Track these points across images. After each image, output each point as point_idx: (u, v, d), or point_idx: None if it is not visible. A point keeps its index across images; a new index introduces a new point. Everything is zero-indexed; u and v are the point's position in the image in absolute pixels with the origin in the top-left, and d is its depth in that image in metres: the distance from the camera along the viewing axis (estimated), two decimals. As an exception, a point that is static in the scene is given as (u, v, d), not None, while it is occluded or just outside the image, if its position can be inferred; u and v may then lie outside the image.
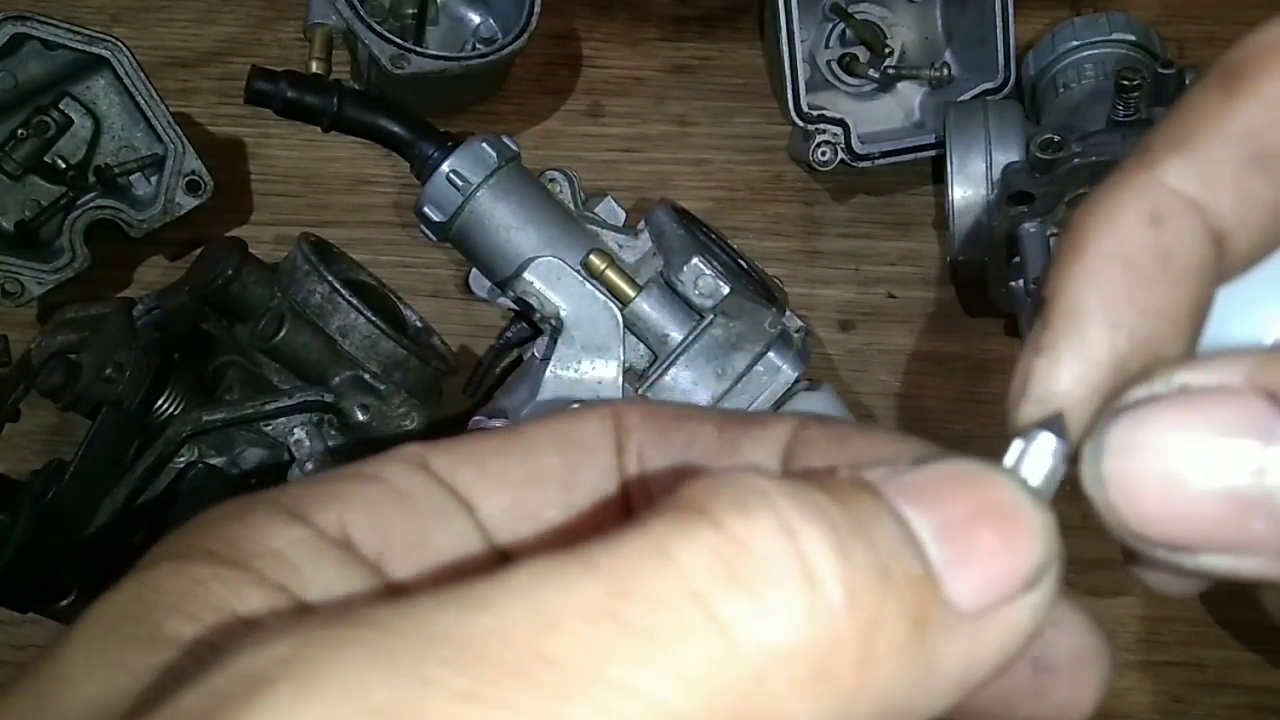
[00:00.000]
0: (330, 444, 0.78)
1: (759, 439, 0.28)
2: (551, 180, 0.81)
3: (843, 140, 0.92)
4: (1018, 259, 0.87)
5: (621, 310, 0.77)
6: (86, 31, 0.86)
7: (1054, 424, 0.26)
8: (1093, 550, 0.94)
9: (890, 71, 0.98)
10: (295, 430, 0.77)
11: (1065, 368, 0.28)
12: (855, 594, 0.21)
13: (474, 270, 0.81)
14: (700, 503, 0.21)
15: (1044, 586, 0.24)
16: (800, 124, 0.93)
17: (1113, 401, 0.27)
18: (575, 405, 0.34)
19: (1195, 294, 0.27)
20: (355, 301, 0.79)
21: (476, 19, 1.00)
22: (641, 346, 0.78)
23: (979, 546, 0.23)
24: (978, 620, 0.23)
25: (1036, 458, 0.26)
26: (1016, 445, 0.26)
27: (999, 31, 0.93)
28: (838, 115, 0.93)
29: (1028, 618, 0.23)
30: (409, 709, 0.19)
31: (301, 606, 0.24)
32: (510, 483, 0.28)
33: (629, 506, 0.29)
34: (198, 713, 0.20)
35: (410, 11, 0.97)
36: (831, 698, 0.21)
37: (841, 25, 0.98)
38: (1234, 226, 0.27)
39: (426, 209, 0.78)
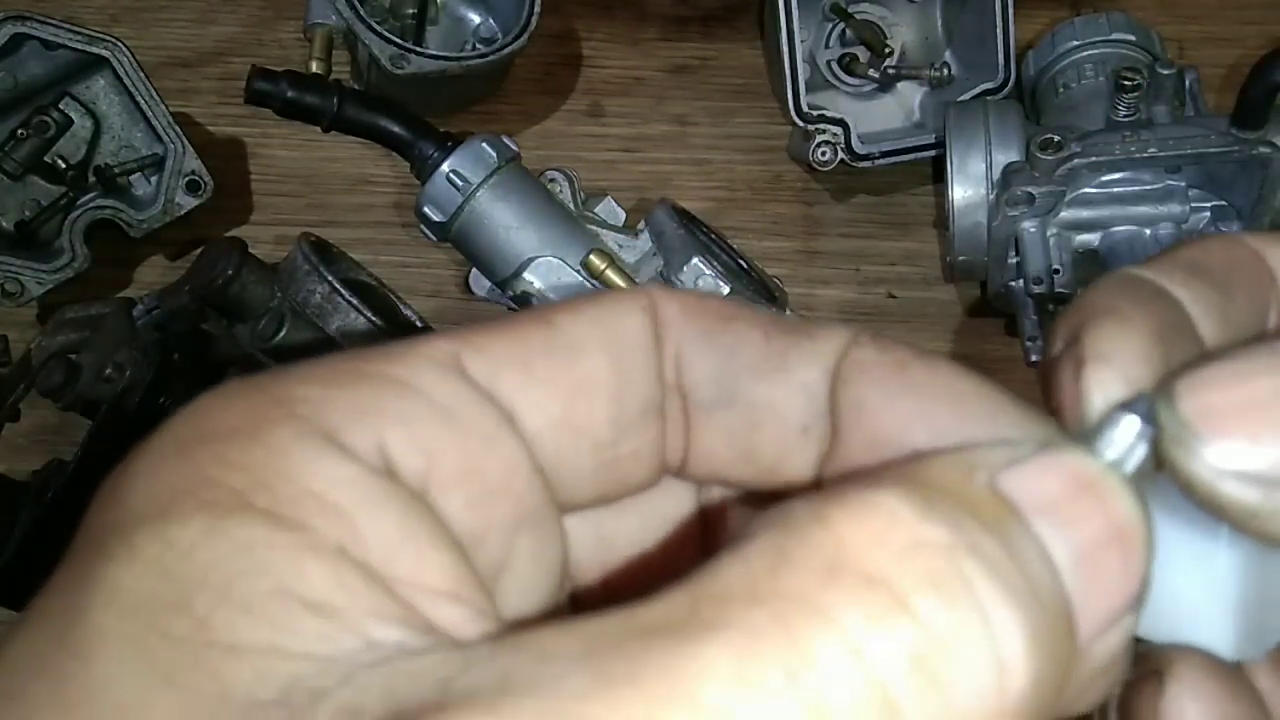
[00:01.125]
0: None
1: (808, 354, 0.25)
2: (551, 180, 0.81)
3: (843, 140, 0.92)
4: (1018, 259, 0.87)
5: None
6: (86, 31, 0.86)
7: (1138, 405, 0.24)
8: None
9: (890, 71, 0.98)
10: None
11: (1131, 346, 0.25)
12: (1040, 675, 0.20)
13: (474, 270, 0.81)
14: (888, 577, 0.20)
15: (1135, 612, 0.22)
16: (800, 124, 0.93)
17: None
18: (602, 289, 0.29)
19: None
20: (355, 301, 0.79)
21: (476, 19, 1.00)
22: (641, 346, 0.78)
23: (1108, 575, 0.22)
24: (1093, 643, 0.22)
25: (1124, 442, 0.24)
26: (1104, 432, 0.24)
27: (999, 31, 0.93)
28: (838, 115, 0.93)
29: (1116, 643, 0.22)
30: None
31: (367, 574, 0.21)
32: (559, 391, 0.25)
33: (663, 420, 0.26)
34: None
35: (410, 11, 0.97)
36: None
37: (841, 25, 0.98)
38: None
39: (426, 209, 0.78)
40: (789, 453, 0.25)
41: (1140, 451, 0.23)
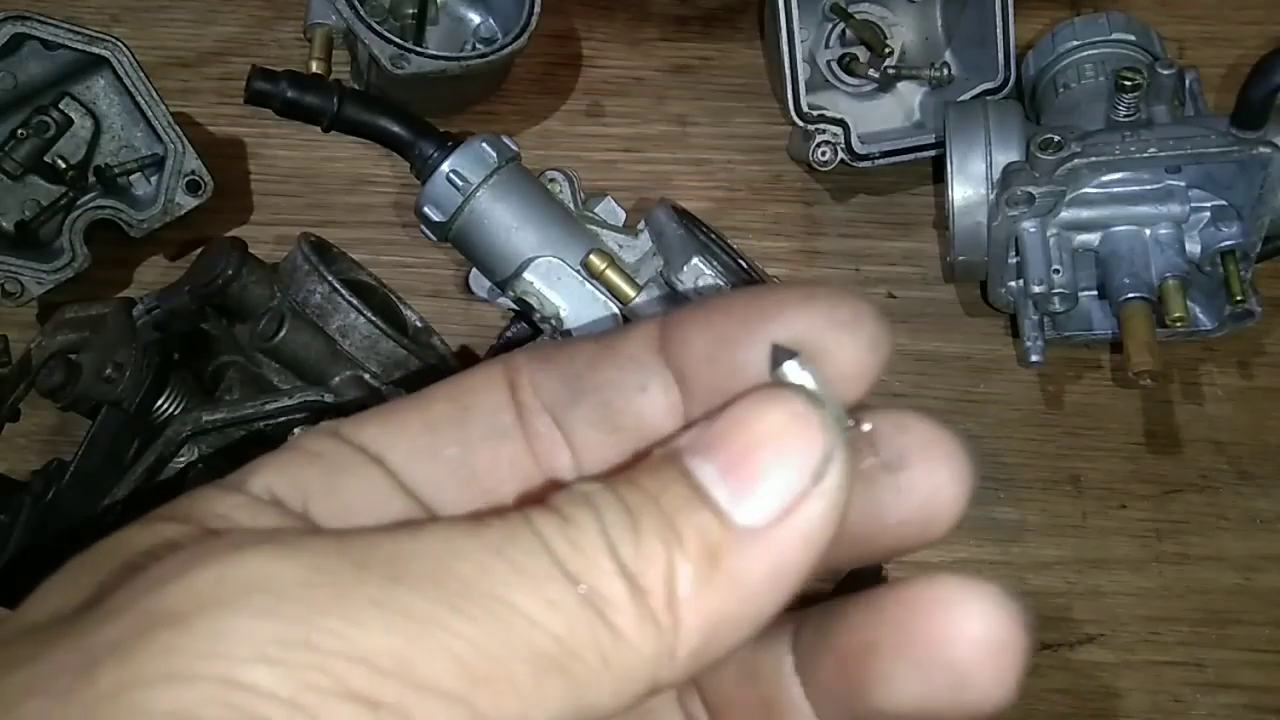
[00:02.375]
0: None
1: (627, 334, 0.32)
2: (551, 180, 0.81)
3: (843, 140, 0.92)
4: (1018, 259, 0.87)
5: (621, 310, 0.77)
6: (86, 31, 0.86)
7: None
8: (1093, 550, 0.95)
9: (890, 71, 0.98)
10: (295, 430, 0.77)
11: None
12: (647, 558, 0.26)
13: (474, 270, 0.81)
14: (551, 500, 0.28)
15: (833, 473, 0.27)
16: (800, 124, 0.93)
17: None
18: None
19: None
20: (355, 301, 0.79)
21: (476, 19, 1.00)
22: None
23: (759, 468, 0.27)
24: (775, 529, 0.27)
25: (799, 368, 0.29)
26: (788, 365, 0.29)
27: (999, 31, 0.93)
28: (838, 115, 0.93)
29: (823, 504, 0.27)
30: (345, 584, 0.25)
31: None
32: (409, 431, 0.32)
33: (529, 429, 0.32)
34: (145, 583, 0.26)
35: (410, 11, 0.97)
36: (651, 635, 0.26)
37: (841, 25, 0.98)
38: None
39: (426, 209, 0.78)
40: (642, 414, 0.31)
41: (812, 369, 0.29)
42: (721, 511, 0.27)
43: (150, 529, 0.29)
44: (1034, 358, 0.87)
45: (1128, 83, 0.84)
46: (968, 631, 0.28)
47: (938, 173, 0.96)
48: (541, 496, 0.28)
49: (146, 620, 0.25)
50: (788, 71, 0.91)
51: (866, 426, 0.30)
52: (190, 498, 0.30)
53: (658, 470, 0.28)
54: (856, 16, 0.98)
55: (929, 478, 0.30)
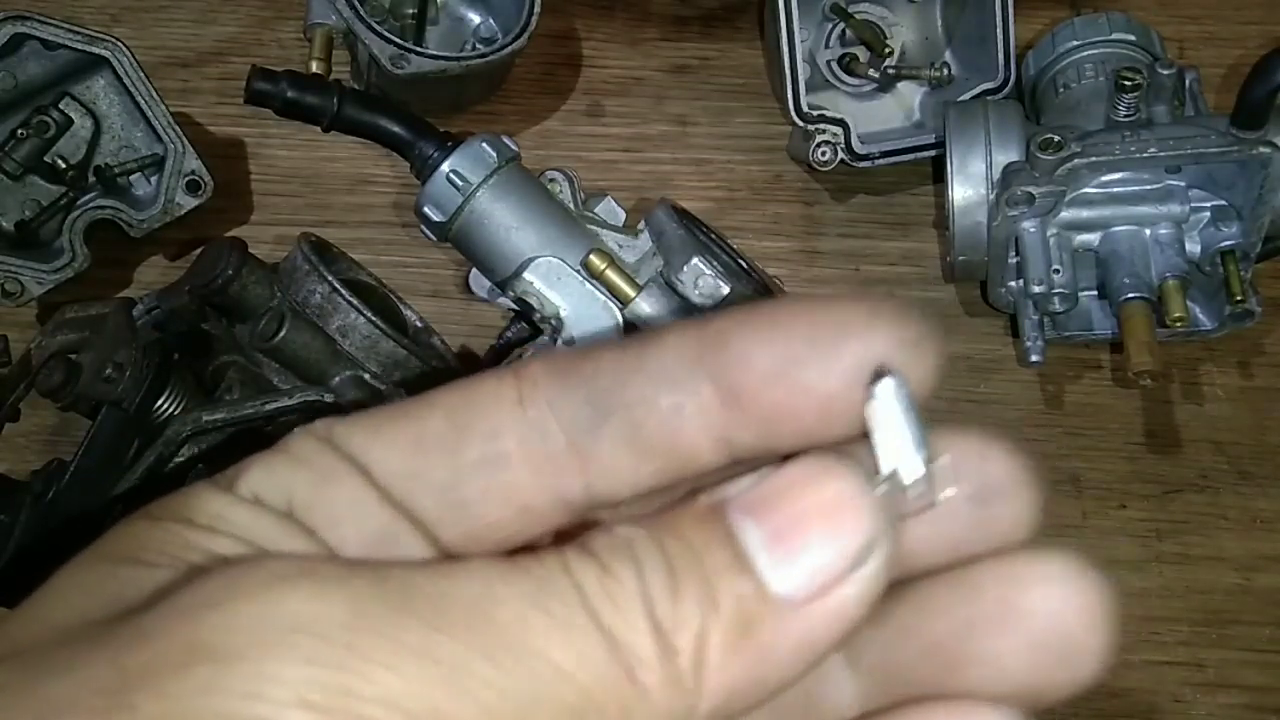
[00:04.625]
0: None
1: (656, 347, 0.30)
2: (551, 180, 0.81)
3: (843, 140, 0.92)
4: (1018, 259, 0.87)
5: (621, 310, 0.77)
6: (86, 31, 0.86)
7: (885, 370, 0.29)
8: (1093, 550, 0.94)
9: (890, 71, 0.98)
10: (295, 430, 0.77)
11: None
12: (681, 619, 0.26)
13: (474, 270, 0.81)
14: (592, 545, 0.28)
15: (875, 560, 0.27)
16: (800, 124, 0.93)
17: None
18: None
19: None
20: (355, 301, 0.79)
21: (476, 19, 1.00)
22: (641, 346, 0.78)
23: (804, 542, 0.27)
24: (810, 604, 0.27)
25: (885, 410, 0.29)
26: (882, 386, 0.28)
27: (999, 31, 0.93)
28: (838, 115, 0.93)
29: (859, 590, 0.27)
30: (386, 629, 0.25)
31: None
32: (398, 447, 0.31)
33: (530, 452, 0.31)
34: (187, 608, 0.26)
35: (410, 11, 0.97)
36: (674, 695, 0.26)
37: (841, 25, 0.98)
38: None
39: (426, 209, 0.78)
40: (677, 436, 0.29)
41: (899, 408, 0.29)
42: (761, 580, 0.27)
43: (163, 529, 0.29)
44: (1034, 358, 0.87)
45: (1128, 83, 0.84)
46: (1079, 601, 0.29)
47: (938, 173, 0.96)
48: (584, 539, 0.28)
49: (186, 651, 0.25)
50: (788, 71, 0.91)
51: (946, 459, 0.30)
52: (185, 496, 0.30)
53: (703, 525, 0.28)
54: (856, 16, 0.98)
55: (1014, 509, 0.30)
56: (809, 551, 0.27)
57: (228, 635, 0.25)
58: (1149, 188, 0.86)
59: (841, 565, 0.27)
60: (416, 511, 0.31)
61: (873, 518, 0.27)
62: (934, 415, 0.96)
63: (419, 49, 0.91)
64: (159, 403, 0.78)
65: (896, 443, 0.28)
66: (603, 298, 0.77)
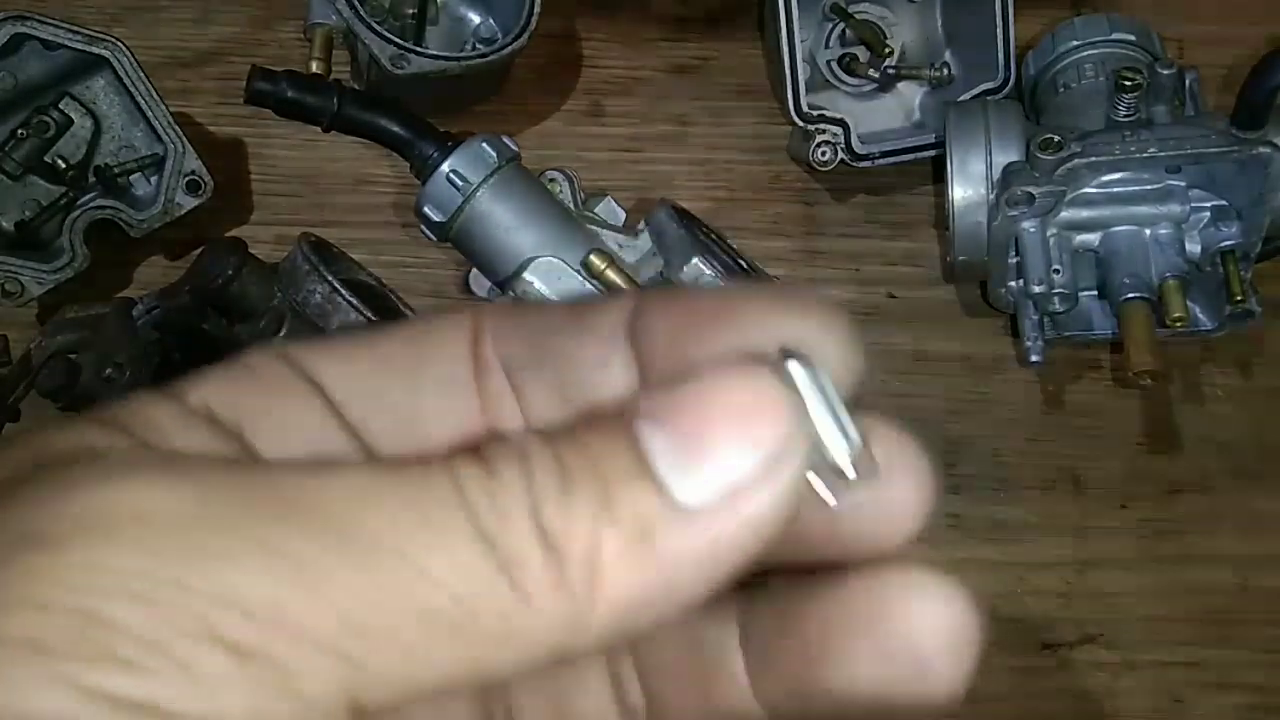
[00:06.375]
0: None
1: (601, 307, 0.30)
2: (551, 180, 0.81)
3: (843, 140, 0.92)
4: (1018, 259, 0.87)
5: (621, 310, 0.77)
6: (86, 31, 0.86)
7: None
8: (1093, 550, 0.95)
9: (890, 71, 0.98)
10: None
11: None
12: (572, 526, 0.25)
13: (474, 270, 0.81)
14: (483, 451, 0.27)
15: (789, 466, 0.26)
16: (800, 124, 0.93)
17: None
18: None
19: None
20: (355, 301, 0.79)
21: (476, 19, 1.00)
22: (641, 346, 0.78)
23: (712, 447, 0.26)
24: (718, 513, 0.26)
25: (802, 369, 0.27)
26: (792, 365, 0.27)
27: (999, 31, 0.93)
28: (838, 115, 0.93)
29: (771, 498, 0.26)
30: (231, 522, 0.24)
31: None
32: (358, 366, 0.31)
33: (484, 386, 0.31)
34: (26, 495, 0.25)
35: (410, 11, 0.97)
36: (562, 603, 0.25)
37: (841, 25, 0.98)
38: None
39: (426, 209, 0.78)
40: (598, 389, 0.30)
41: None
42: (664, 486, 0.26)
43: (76, 431, 0.28)
44: (1034, 358, 0.87)
45: (1128, 83, 0.84)
46: (934, 622, 0.28)
47: (938, 173, 0.96)
48: (478, 446, 0.27)
49: (15, 539, 0.24)
50: (788, 71, 0.91)
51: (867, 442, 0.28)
52: (126, 403, 0.29)
53: (604, 431, 0.27)
54: (856, 16, 0.98)
55: (891, 489, 0.29)
56: (717, 456, 0.26)
57: (58, 524, 0.24)
58: (1149, 188, 0.86)
59: (752, 471, 0.26)
60: (369, 432, 0.30)
61: (788, 420, 0.26)
62: (934, 415, 0.96)
63: (419, 49, 0.91)
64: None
65: (821, 425, 0.27)
66: (603, 298, 0.77)
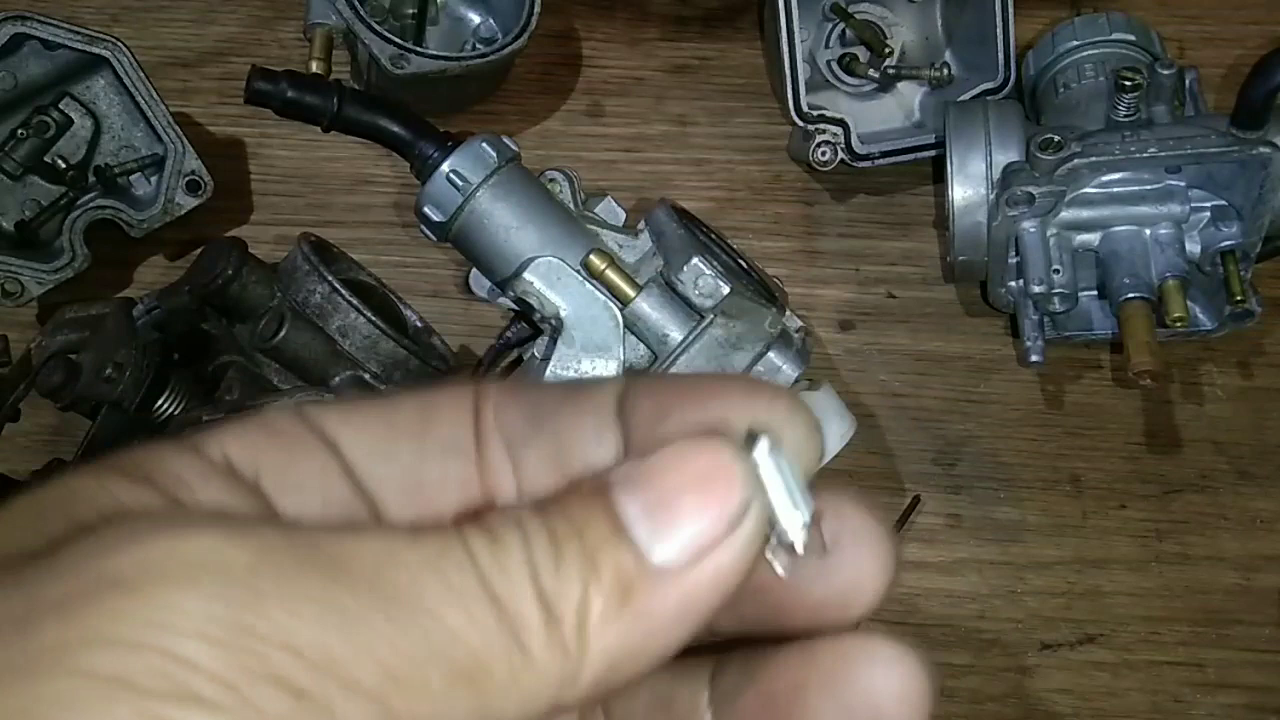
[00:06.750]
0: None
1: (596, 386, 0.33)
2: (551, 180, 0.81)
3: (843, 140, 0.92)
4: (1018, 259, 0.87)
5: (621, 310, 0.77)
6: (86, 31, 0.86)
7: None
8: (1093, 550, 0.95)
9: (890, 71, 0.98)
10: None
11: None
12: (564, 588, 0.28)
13: (474, 270, 0.81)
14: (485, 520, 0.29)
15: (748, 524, 0.29)
16: (800, 124, 0.93)
17: None
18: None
19: None
20: (355, 301, 0.79)
21: (476, 19, 1.00)
22: (641, 346, 0.78)
23: (679, 512, 0.29)
24: (687, 571, 0.29)
25: (765, 471, 0.30)
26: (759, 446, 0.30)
27: (999, 31, 0.93)
28: (838, 115, 0.93)
29: (733, 554, 0.29)
30: (289, 576, 0.26)
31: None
32: (370, 429, 0.33)
33: (482, 455, 0.34)
34: (69, 565, 0.26)
35: (410, 11, 0.97)
36: (558, 659, 0.28)
37: (841, 25, 0.98)
38: None
39: (426, 209, 0.78)
40: (591, 462, 0.32)
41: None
42: (639, 549, 0.29)
43: (103, 485, 0.30)
44: (1034, 358, 0.87)
45: (1128, 83, 0.84)
46: (891, 681, 0.31)
47: (938, 173, 0.96)
48: (480, 515, 0.30)
49: (95, 583, 0.26)
50: (788, 71, 0.91)
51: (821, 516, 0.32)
52: (146, 454, 0.31)
53: (586, 502, 0.30)
54: (856, 16, 0.98)
55: (855, 565, 0.32)
56: (684, 520, 0.29)
57: (134, 569, 0.26)
58: (1149, 188, 0.86)
59: (715, 531, 0.29)
60: (375, 491, 0.33)
61: (743, 485, 0.29)
62: (934, 415, 0.96)
63: (419, 49, 0.91)
64: (159, 403, 0.78)
65: (777, 500, 0.30)
66: (603, 298, 0.77)
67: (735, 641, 0.33)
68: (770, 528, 0.30)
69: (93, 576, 0.26)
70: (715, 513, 0.29)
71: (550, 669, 0.28)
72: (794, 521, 0.30)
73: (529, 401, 0.34)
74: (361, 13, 0.90)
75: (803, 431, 0.31)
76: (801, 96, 0.92)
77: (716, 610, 0.29)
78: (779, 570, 0.30)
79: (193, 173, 0.89)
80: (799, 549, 0.30)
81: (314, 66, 0.88)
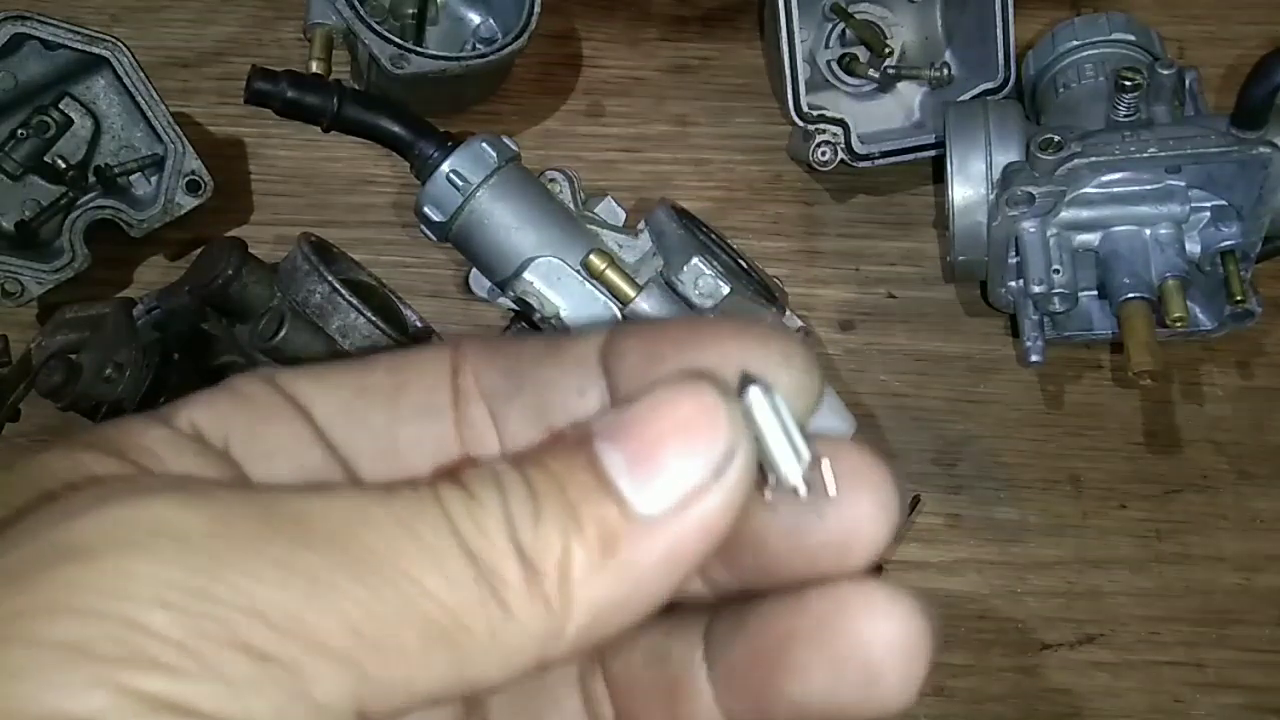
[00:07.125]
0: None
1: (577, 339, 0.32)
2: (551, 180, 0.81)
3: (843, 140, 0.92)
4: (1018, 259, 0.87)
5: (621, 310, 0.77)
6: (86, 31, 0.86)
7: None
8: (1093, 550, 0.95)
9: (890, 71, 0.98)
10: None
11: None
12: (544, 543, 0.27)
13: (474, 270, 0.81)
14: (461, 476, 0.28)
15: (734, 468, 0.28)
16: (800, 124, 0.92)
17: None
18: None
19: None
20: (355, 301, 0.79)
21: (476, 19, 1.00)
22: (641, 346, 0.78)
23: (662, 460, 0.28)
24: (672, 519, 0.28)
25: (760, 417, 0.29)
26: (752, 391, 0.29)
27: (999, 31, 0.93)
28: (838, 115, 0.93)
29: (720, 500, 0.28)
30: (250, 538, 0.26)
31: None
32: (341, 392, 0.33)
33: (461, 414, 0.33)
34: (39, 525, 0.26)
35: (410, 11, 0.97)
36: (540, 614, 0.27)
37: (841, 25, 0.98)
38: None
39: (426, 209, 0.78)
40: (575, 415, 0.32)
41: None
42: (623, 500, 0.28)
43: (72, 457, 0.30)
44: (1034, 358, 0.87)
45: (1128, 83, 0.84)
46: (884, 634, 0.29)
47: (938, 173, 0.96)
48: (457, 471, 0.29)
49: (51, 551, 0.26)
50: (788, 71, 0.91)
51: (826, 462, 0.30)
52: (115, 426, 0.31)
53: (567, 454, 0.29)
54: (856, 16, 0.98)
55: (853, 507, 0.30)
56: (668, 468, 0.28)
57: (91, 538, 0.26)
58: (1149, 188, 0.86)
59: (700, 477, 0.28)
60: (349, 455, 0.32)
61: (728, 427, 0.28)
62: (934, 415, 0.96)
63: (419, 49, 0.91)
64: (159, 403, 0.78)
65: (774, 444, 0.29)
66: (603, 298, 0.77)
67: (732, 597, 0.32)
68: (768, 472, 0.29)
69: (48, 545, 0.26)
70: (700, 459, 0.28)
71: (532, 624, 0.27)
72: (793, 464, 0.29)
73: (509, 358, 0.33)
74: (361, 13, 0.90)
75: (798, 372, 0.30)
76: (801, 96, 0.92)
77: (706, 557, 0.29)
78: (777, 512, 0.29)
79: (193, 173, 0.89)
80: (801, 492, 0.29)
81: (314, 66, 0.88)
